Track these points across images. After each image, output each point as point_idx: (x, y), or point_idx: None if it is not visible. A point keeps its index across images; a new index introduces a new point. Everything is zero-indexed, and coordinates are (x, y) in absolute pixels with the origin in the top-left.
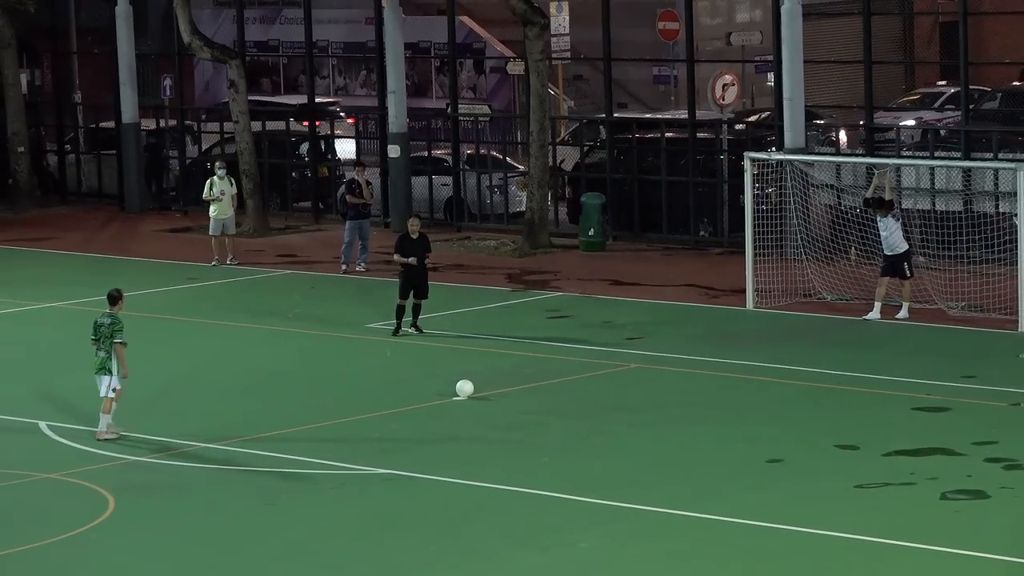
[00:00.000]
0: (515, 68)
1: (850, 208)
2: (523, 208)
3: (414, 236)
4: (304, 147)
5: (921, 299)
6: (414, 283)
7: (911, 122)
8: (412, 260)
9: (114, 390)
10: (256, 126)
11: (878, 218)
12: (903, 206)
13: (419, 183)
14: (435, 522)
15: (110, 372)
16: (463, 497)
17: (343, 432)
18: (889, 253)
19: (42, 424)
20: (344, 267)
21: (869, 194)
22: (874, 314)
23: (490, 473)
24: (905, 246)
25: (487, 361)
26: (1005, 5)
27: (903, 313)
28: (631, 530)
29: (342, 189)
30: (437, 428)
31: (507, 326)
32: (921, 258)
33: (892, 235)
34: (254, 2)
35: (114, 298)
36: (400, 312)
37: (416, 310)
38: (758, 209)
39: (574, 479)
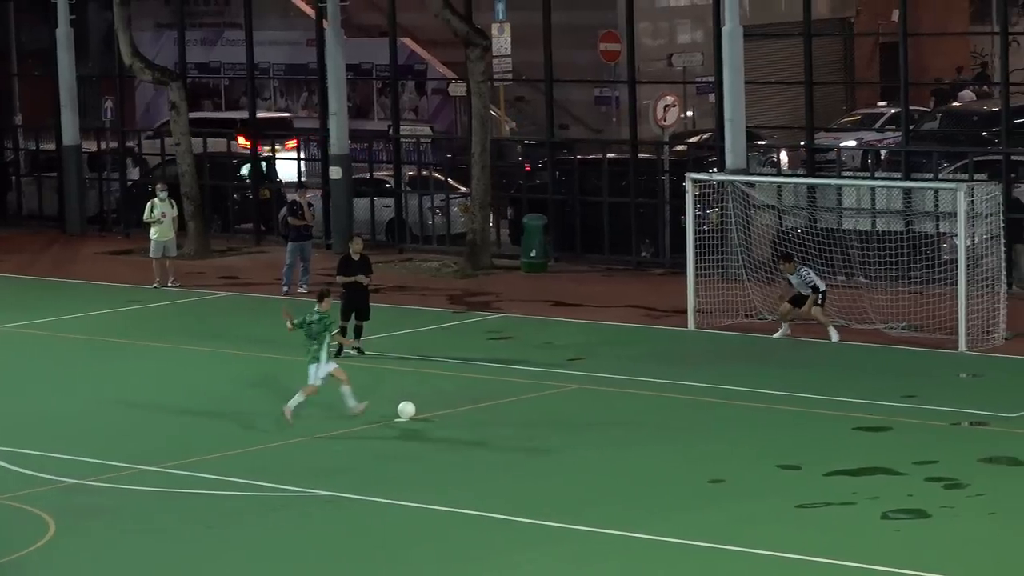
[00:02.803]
0: (457, 90)
1: (791, 228)
2: (465, 230)
3: (356, 257)
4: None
5: (861, 320)
6: (356, 304)
7: (852, 142)
8: (360, 278)
9: (320, 379)
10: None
11: (791, 277)
12: (844, 226)
13: (361, 204)
14: (376, 544)
15: (317, 360)
16: (405, 519)
17: (284, 454)
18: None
19: None
20: (285, 289)
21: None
22: (783, 332)
23: (432, 494)
24: (823, 285)
25: (429, 382)
26: (945, 26)
27: (835, 337)
28: (573, 552)
29: (284, 211)
30: (379, 450)
31: (449, 347)
32: (862, 278)
33: (805, 281)
34: (195, 24)
35: (322, 295)
36: (342, 334)
37: (358, 331)
38: (699, 230)
39: (516, 500)
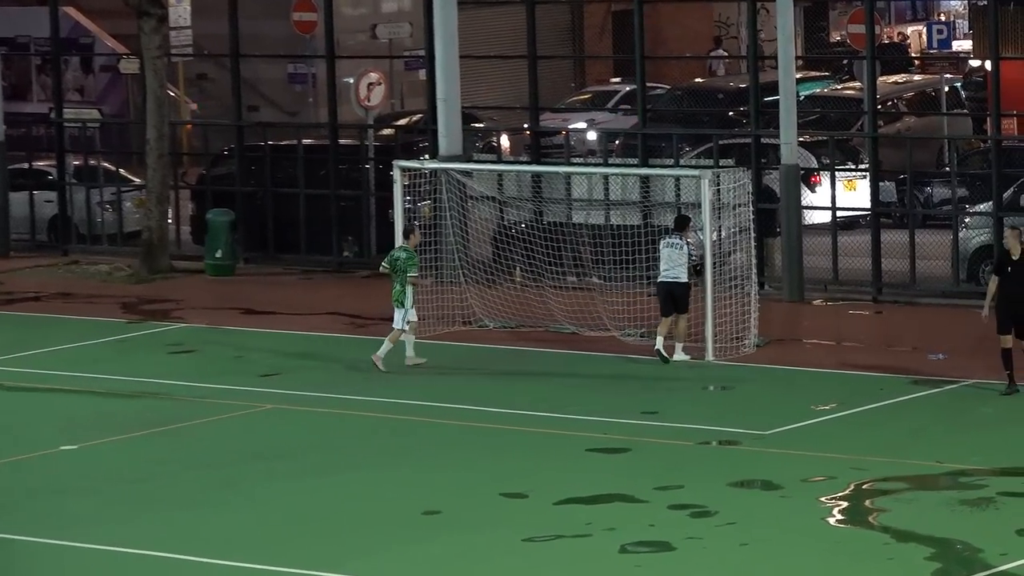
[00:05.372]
0: (129, 66)
1: (514, 223)
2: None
3: None
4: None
5: (594, 326)
6: None
7: (582, 124)
8: None
9: (409, 322)
10: None
11: (674, 239)
12: (574, 220)
13: (18, 199)
14: None
15: (403, 305)
16: (73, 561)
17: None
18: (670, 280)
19: None
20: None
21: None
22: (679, 355)
23: (105, 533)
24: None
25: (100, 405)
26: None
27: (680, 355)
28: None
29: None
30: (42, 482)
31: (123, 363)
32: (595, 279)
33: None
34: None
35: (407, 232)
36: None
37: None
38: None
39: (203, 538)
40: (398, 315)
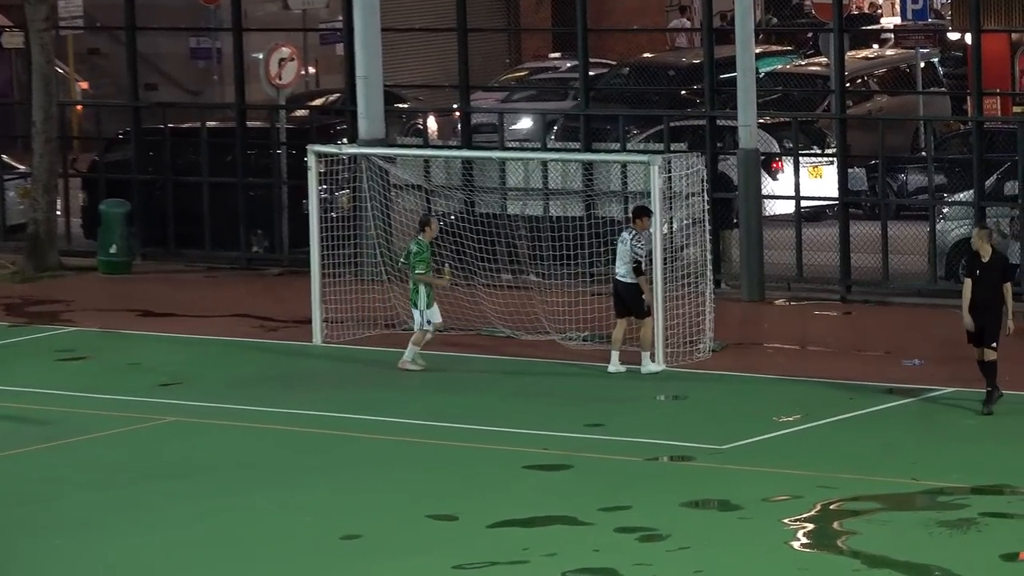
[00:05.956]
0: (12, 40)
1: (443, 214)
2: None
3: None
4: None
5: (532, 328)
6: None
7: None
8: None
9: (428, 323)
10: None
11: (624, 232)
12: (509, 211)
13: None
14: None
15: (417, 305)
16: None
17: None
18: (617, 279)
19: None
20: None
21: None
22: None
23: None
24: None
25: None
26: None
27: (650, 366)
28: None
29: None
30: None
31: (5, 372)
32: (533, 276)
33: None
34: None
35: (423, 223)
36: None
37: None
38: (327, 217)
39: (95, 566)
40: (416, 316)
